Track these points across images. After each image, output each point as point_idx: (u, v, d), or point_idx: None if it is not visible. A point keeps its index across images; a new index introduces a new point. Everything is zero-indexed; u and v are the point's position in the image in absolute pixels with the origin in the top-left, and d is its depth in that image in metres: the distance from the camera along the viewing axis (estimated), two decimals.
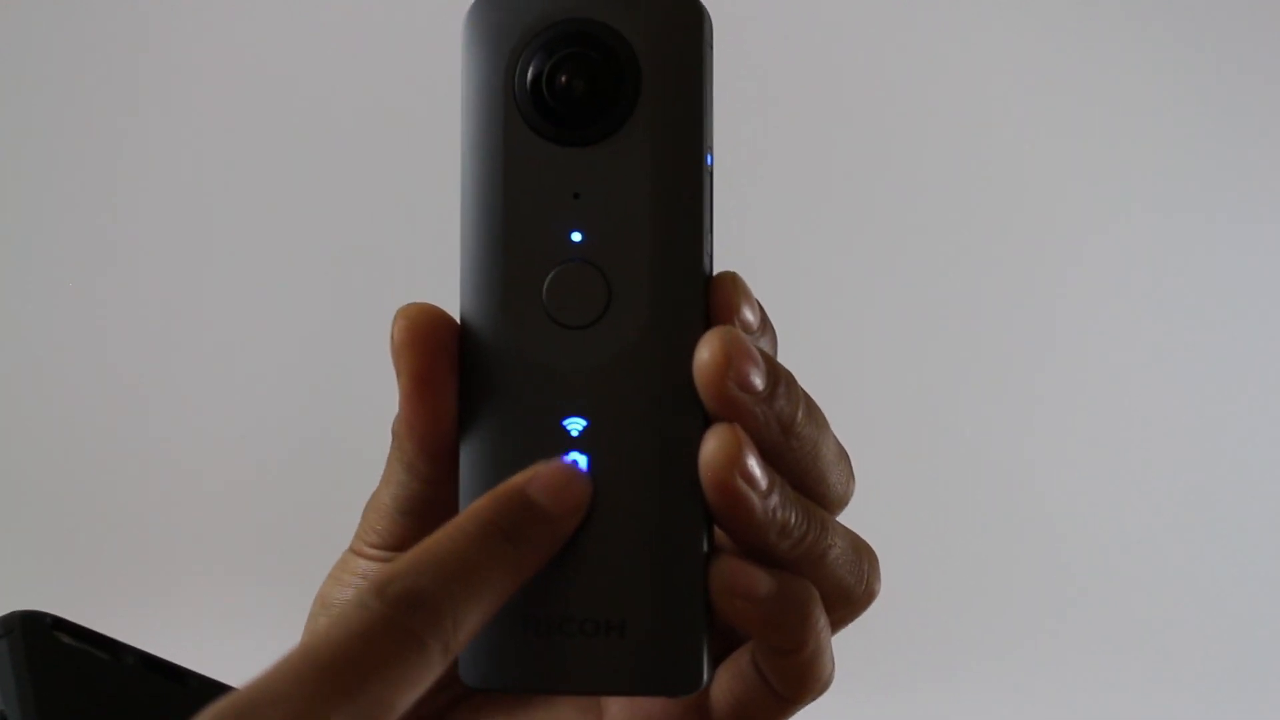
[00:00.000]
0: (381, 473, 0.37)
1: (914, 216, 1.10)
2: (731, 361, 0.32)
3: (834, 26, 1.09)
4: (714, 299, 0.34)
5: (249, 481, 1.09)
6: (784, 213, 1.02)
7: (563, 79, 0.33)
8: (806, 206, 1.03)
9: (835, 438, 0.36)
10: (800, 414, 0.34)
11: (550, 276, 0.34)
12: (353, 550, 0.38)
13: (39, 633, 0.45)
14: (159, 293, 1.09)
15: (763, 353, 0.33)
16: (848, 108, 1.05)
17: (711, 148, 0.34)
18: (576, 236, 0.34)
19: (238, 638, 1.05)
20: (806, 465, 0.35)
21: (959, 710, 0.98)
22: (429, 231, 1.10)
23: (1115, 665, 1.06)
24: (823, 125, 1.04)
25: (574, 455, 0.33)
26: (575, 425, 0.33)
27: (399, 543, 0.37)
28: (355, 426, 1.09)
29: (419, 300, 0.35)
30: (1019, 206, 1.13)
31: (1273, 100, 1.14)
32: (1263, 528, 1.11)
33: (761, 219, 0.98)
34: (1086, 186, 1.13)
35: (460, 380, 0.34)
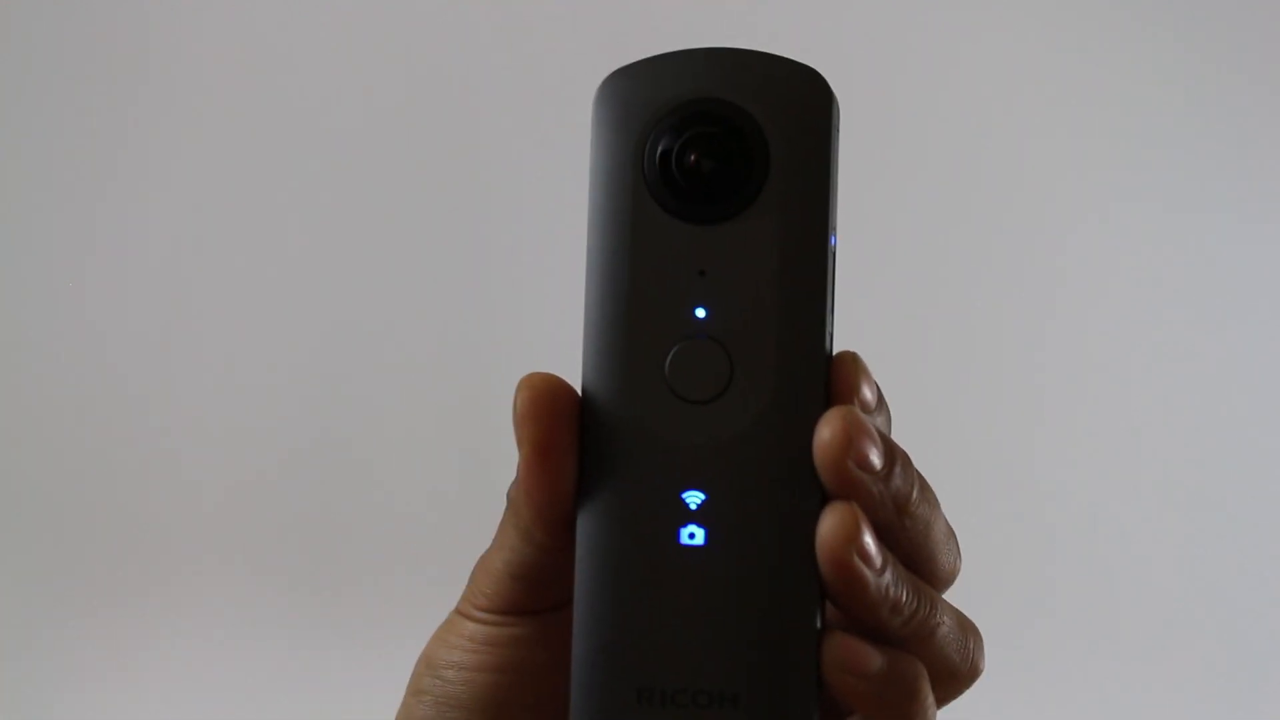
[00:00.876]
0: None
1: (913, 216, 1.10)
2: (852, 441, 0.33)
3: (833, 26, 1.09)
4: (835, 378, 0.34)
5: (249, 481, 1.09)
6: None
7: (692, 157, 0.34)
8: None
9: (945, 517, 0.36)
10: (915, 493, 0.34)
11: (674, 351, 0.34)
12: (460, 612, 0.39)
13: None
14: (160, 293, 1.10)
15: (880, 432, 0.34)
16: (848, 107, 1.05)
17: (836, 228, 0.35)
18: (701, 313, 0.34)
19: (238, 638, 1.06)
20: (918, 544, 0.35)
21: (958, 711, 0.97)
22: (434, 233, 1.11)
23: (1115, 665, 1.06)
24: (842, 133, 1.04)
25: (691, 528, 0.34)
26: (694, 498, 0.34)
27: (509, 606, 0.37)
28: (356, 427, 1.10)
29: (540, 370, 0.35)
30: (1019, 205, 1.12)
31: (1276, 97, 1.14)
32: (1265, 526, 1.11)
33: None
34: (1086, 186, 1.13)
35: (580, 450, 0.34)
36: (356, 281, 1.11)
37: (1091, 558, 1.09)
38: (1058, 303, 1.13)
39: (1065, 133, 1.13)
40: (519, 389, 0.34)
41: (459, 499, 1.05)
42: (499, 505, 0.37)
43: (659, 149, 0.34)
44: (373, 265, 1.11)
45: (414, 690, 0.39)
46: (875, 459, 0.33)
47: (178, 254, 1.10)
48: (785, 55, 0.35)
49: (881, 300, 1.07)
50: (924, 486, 0.35)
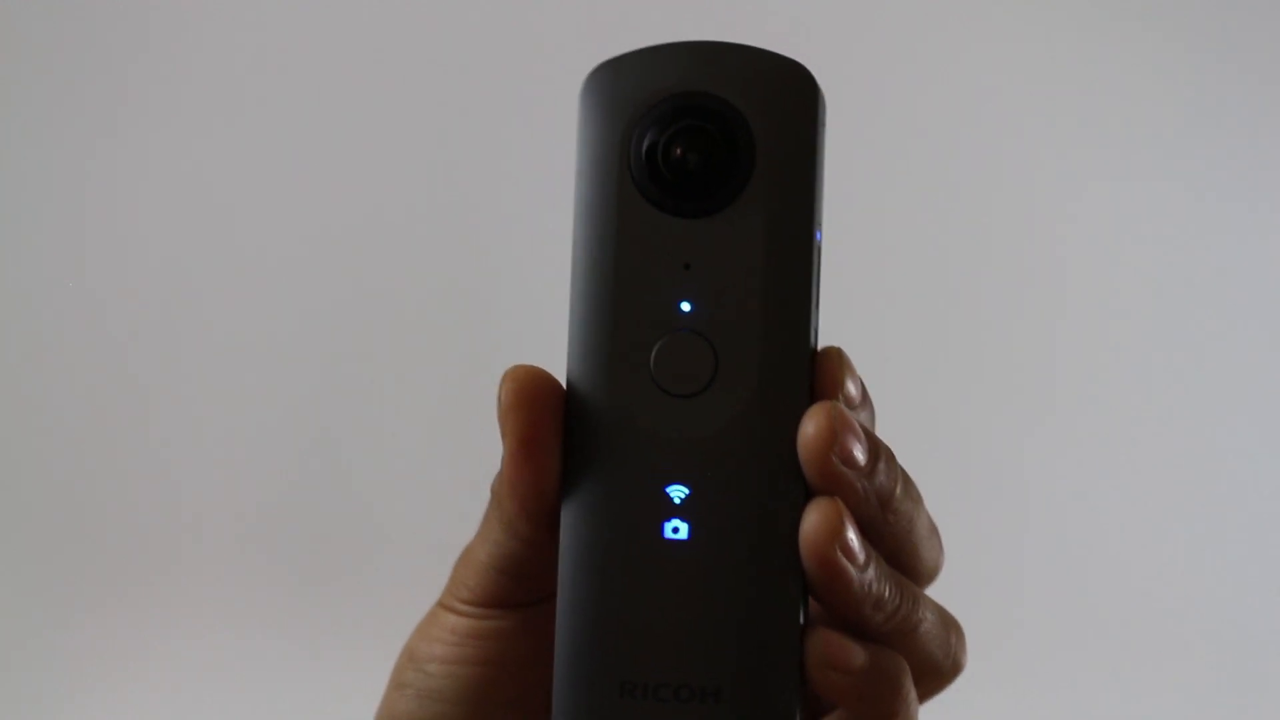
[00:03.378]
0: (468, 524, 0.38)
1: (913, 216, 1.11)
2: (836, 436, 0.33)
3: (830, 25, 1.09)
4: (819, 373, 0.34)
5: (248, 482, 1.09)
6: None
7: (678, 151, 0.34)
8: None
9: (928, 513, 0.36)
10: (899, 489, 0.34)
11: (658, 345, 0.34)
12: (442, 605, 0.39)
13: None
14: (158, 294, 1.10)
15: (864, 428, 0.34)
16: (845, 108, 1.05)
17: (821, 224, 0.35)
18: (686, 307, 0.34)
19: (237, 638, 1.06)
20: (901, 539, 0.35)
21: (956, 710, 0.98)
22: (436, 235, 1.11)
23: (1115, 666, 1.06)
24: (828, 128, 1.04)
25: (675, 522, 0.34)
26: (678, 492, 0.34)
27: (491, 599, 0.37)
28: (355, 427, 1.10)
29: (525, 362, 0.35)
30: (1017, 204, 1.13)
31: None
32: (1265, 526, 1.11)
33: None
34: (1084, 181, 1.13)
35: (564, 444, 0.34)
36: (353, 280, 1.10)
37: (1091, 558, 1.10)
38: (1054, 305, 1.13)
39: (1061, 124, 1.13)
40: (503, 381, 0.34)
41: (458, 498, 1.04)
42: None
43: (645, 142, 0.34)
44: (368, 262, 1.11)
45: (396, 683, 0.39)
46: (859, 454, 0.33)
47: (177, 249, 1.10)
48: (773, 49, 0.35)
49: (878, 301, 1.07)
50: (907, 482, 0.35)
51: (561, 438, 0.34)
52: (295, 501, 1.08)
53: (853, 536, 0.33)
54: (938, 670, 0.36)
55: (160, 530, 1.07)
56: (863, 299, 1.05)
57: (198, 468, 1.08)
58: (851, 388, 0.34)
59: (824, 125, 0.35)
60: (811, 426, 0.33)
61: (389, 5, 1.11)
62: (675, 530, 0.34)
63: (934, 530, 0.37)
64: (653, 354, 0.34)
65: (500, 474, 0.35)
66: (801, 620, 0.34)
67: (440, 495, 1.06)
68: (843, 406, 0.33)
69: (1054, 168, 1.13)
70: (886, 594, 0.34)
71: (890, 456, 0.34)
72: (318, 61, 1.11)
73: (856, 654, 0.33)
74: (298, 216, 1.10)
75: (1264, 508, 1.11)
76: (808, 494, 0.33)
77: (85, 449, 1.08)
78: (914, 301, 1.11)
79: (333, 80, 1.11)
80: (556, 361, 0.35)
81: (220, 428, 1.08)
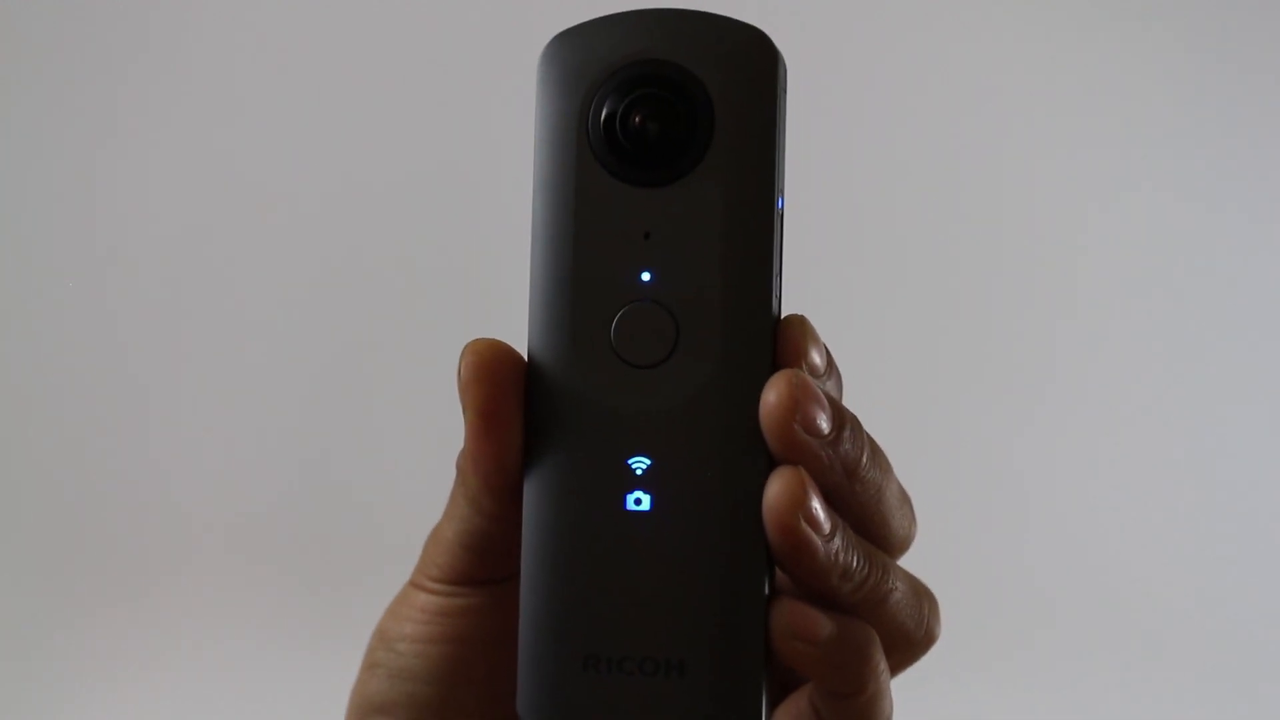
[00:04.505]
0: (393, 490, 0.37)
1: (911, 216, 1.10)
2: (798, 404, 0.32)
3: (827, 25, 1.08)
4: (782, 342, 0.34)
5: (248, 483, 1.09)
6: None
7: (637, 119, 0.34)
8: (802, 207, 1.02)
9: (898, 481, 0.36)
10: (865, 458, 0.34)
11: (619, 316, 0.34)
12: (413, 584, 0.38)
13: None
14: (160, 297, 1.10)
15: (829, 396, 0.33)
16: (844, 107, 1.04)
17: (783, 191, 0.34)
18: (646, 276, 0.34)
19: (237, 639, 1.06)
20: (869, 509, 0.35)
21: (956, 710, 0.97)
22: (437, 236, 1.11)
23: (1114, 665, 1.06)
24: (820, 124, 1.03)
25: (638, 494, 0.33)
26: (640, 464, 0.33)
27: (460, 577, 0.37)
28: (355, 430, 1.10)
29: (484, 336, 0.35)
30: (1019, 205, 1.12)
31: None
32: (1264, 526, 1.11)
33: None
34: (1086, 185, 1.13)
35: (526, 416, 0.34)
36: (352, 284, 1.11)
37: (1091, 558, 1.09)
38: (1058, 309, 1.12)
39: (1062, 122, 1.12)
40: (463, 354, 0.34)
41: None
42: None
43: (603, 111, 0.34)
44: (368, 266, 1.11)
45: (368, 664, 0.39)
46: (823, 423, 0.33)
47: (178, 250, 1.11)
48: (731, 16, 0.34)
49: (876, 299, 1.07)
50: (875, 451, 0.35)
51: (523, 410, 0.34)
52: (295, 503, 1.09)
53: (817, 505, 0.33)
54: (910, 640, 0.36)
55: (160, 532, 1.08)
56: (863, 298, 1.05)
57: (198, 470, 1.08)
58: (815, 356, 0.34)
59: (785, 91, 0.34)
60: (773, 395, 0.32)
61: (386, 7, 1.11)
62: (638, 502, 0.33)
63: (905, 499, 0.36)
64: (613, 325, 0.34)
65: (463, 449, 0.35)
66: (767, 591, 0.33)
67: (440, 496, 1.06)
68: (805, 374, 0.33)
69: (1056, 167, 1.12)
70: (854, 563, 0.34)
71: (856, 424, 0.34)
72: (316, 62, 1.11)
73: (823, 624, 0.33)
74: (298, 216, 1.11)
75: (1264, 507, 1.11)
76: (771, 464, 0.33)
77: (85, 450, 1.09)
78: (915, 300, 1.10)
79: (331, 81, 1.11)
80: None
81: (221, 430, 1.09)
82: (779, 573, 0.34)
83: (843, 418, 0.34)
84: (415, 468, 1.08)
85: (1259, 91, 1.13)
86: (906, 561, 0.37)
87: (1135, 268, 1.13)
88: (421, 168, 1.10)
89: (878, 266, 1.08)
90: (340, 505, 1.09)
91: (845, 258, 1.02)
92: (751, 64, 0.34)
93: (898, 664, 0.36)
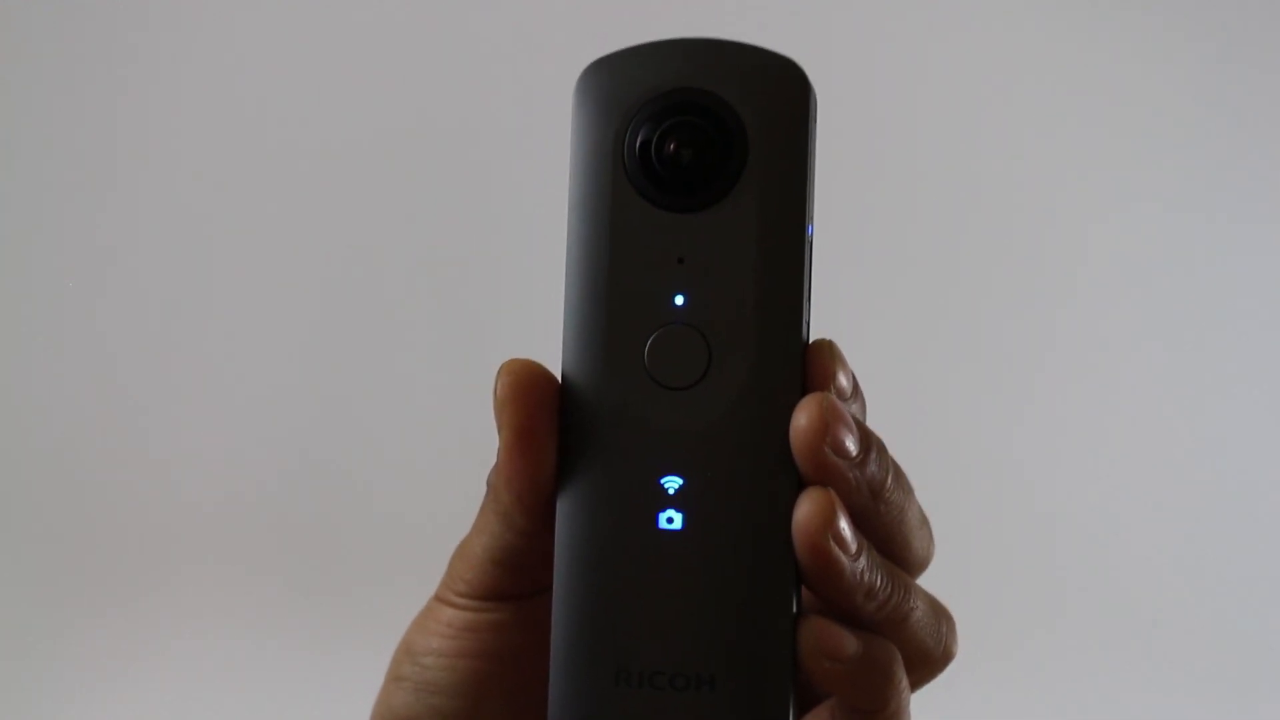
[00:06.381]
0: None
1: (909, 215, 1.11)
2: (828, 427, 0.33)
3: (825, 25, 1.09)
4: (811, 365, 0.34)
5: (248, 483, 1.09)
6: None
7: (672, 147, 0.34)
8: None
9: (919, 503, 0.37)
10: (890, 480, 0.35)
11: (653, 338, 0.34)
12: (439, 599, 0.39)
13: None
14: (159, 298, 1.10)
15: (856, 419, 0.34)
16: (841, 106, 1.04)
17: (813, 218, 0.35)
18: (680, 300, 0.34)
19: (237, 640, 1.06)
20: (893, 529, 0.35)
21: (954, 710, 0.97)
22: (437, 237, 1.12)
23: (1113, 666, 1.06)
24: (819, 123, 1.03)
25: (670, 512, 0.34)
26: (672, 483, 0.34)
27: (488, 592, 0.37)
28: (354, 430, 1.10)
29: (520, 356, 0.35)
30: (1016, 205, 1.13)
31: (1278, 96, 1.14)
32: (1264, 527, 1.11)
33: None
34: (1086, 186, 1.13)
35: (560, 435, 0.35)
36: (352, 285, 1.11)
37: (1090, 557, 1.10)
38: (1058, 304, 1.13)
39: (1065, 126, 1.13)
40: (499, 374, 0.35)
41: (460, 499, 1.04)
42: None
43: (638, 138, 0.35)
44: (368, 267, 1.11)
45: (393, 676, 0.39)
46: (851, 445, 0.34)
47: (178, 250, 1.10)
48: (764, 46, 0.35)
49: (873, 298, 1.07)
50: (898, 473, 0.35)
51: (557, 430, 0.35)
52: (296, 502, 1.08)
53: (845, 526, 0.33)
54: (929, 658, 0.36)
55: (161, 532, 1.07)
56: (863, 296, 1.05)
57: (198, 468, 1.08)
58: (843, 379, 0.35)
59: (815, 121, 0.35)
60: (804, 418, 0.33)
61: (391, 11, 1.11)
62: (670, 521, 0.34)
63: (924, 521, 0.37)
64: (647, 347, 0.34)
65: (496, 466, 0.35)
66: (795, 609, 0.34)
67: (441, 496, 1.06)
68: (834, 398, 0.34)
69: (1055, 167, 1.13)
70: (878, 583, 0.34)
71: (881, 447, 0.35)
72: (316, 62, 1.11)
73: (849, 642, 0.34)
74: (298, 217, 1.10)
75: (1265, 505, 1.11)
76: (800, 484, 0.34)
77: (85, 450, 1.08)
78: (915, 300, 1.11)
79: (331, 80, 1.11)
80: (555, 359, 0.36)
81: (221, 428, 1.08)
82: (805, 591, 0.35)
83: (869, 440, 0.34)
84: (418, 471, 1.08)
85: (1259, 91, 1.14)
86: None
87: (1138, 265, 1.13)
88: (428, 167, 1.10)
89: (878, 266, 1.08)
90: (341, 506, 1.09)
91: (845, 257, 1.03)
92: (784, 94, 0.35)
93: (916, 681, 0.37)
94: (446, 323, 1.10)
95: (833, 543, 0.33)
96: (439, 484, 1.05)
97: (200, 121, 1.11)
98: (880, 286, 1.08)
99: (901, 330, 1.08)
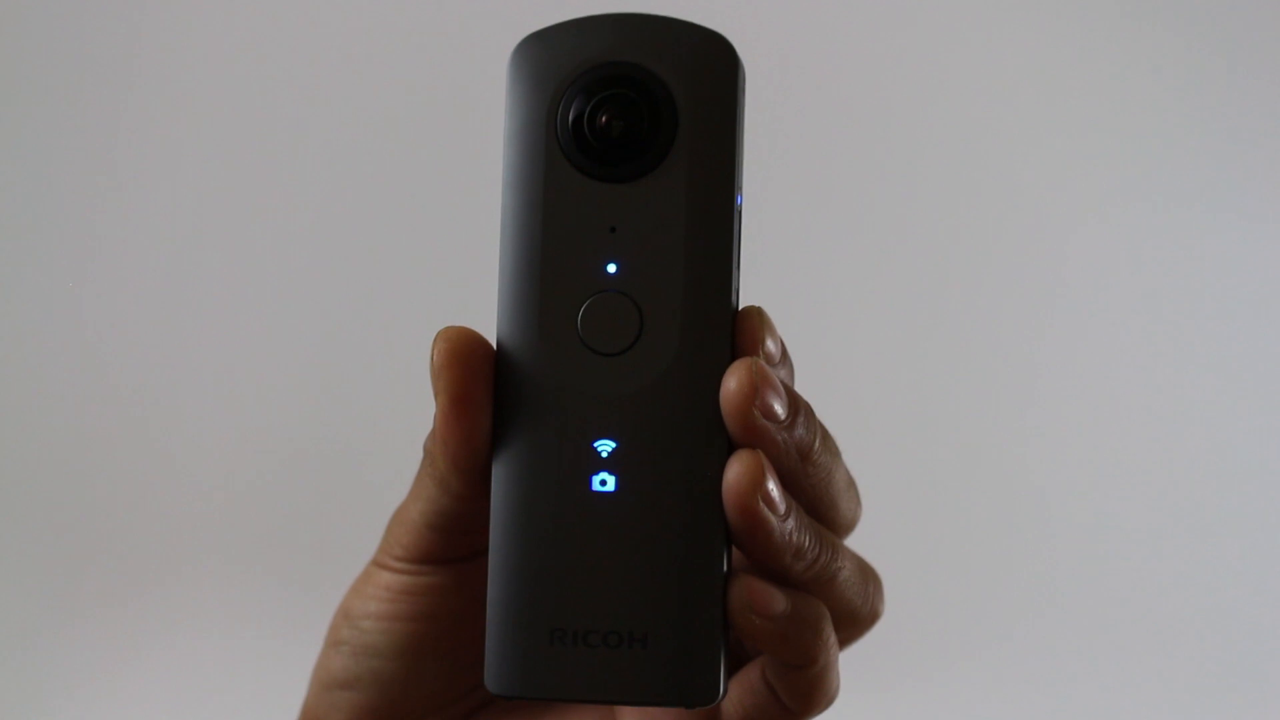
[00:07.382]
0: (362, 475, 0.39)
1: (907, 215, 1.11)
2: (756, 391, 0.34)
3: (820, 25, 1.09)
4: (740, 331, 0.35)
5: (248, 481, 1.08)
6: (777, 213, 1.01)
7: (603, 119, 0.35)
8: (799, 206, 1.02)
9: (846, 467, 0.38)
10: (817, 442, 0.36)
11: (585, 305, 0.35)
12: (376, 563, 0.39)
13: None
14: (158, 293, 1.09)
15: (784, 383, 0.35)
16: (840, 105, 1.04)
17: (741, 188, 0.36)
18: (612, 268, 0.35)
19: (237, 639, 1.05)
20: (820, 491, 0.36)
21: (953, 710, 0.98)
22: (432, 235, 1.11)
23: (1112, 666, 1.07)
24: (816, 123, 1.03)
25: (603, 475, 0.35)
26: (605, 447, 0.35)
27: (425, 556, 0.38)
28: (355, 425, 1.10)
29: (456, 323, 0.36)
30: (1013, 204, 1.13)
31: (1275, 96, 1.15)
32: (1264, 527, 1.12)
33: (754, 218, 0.97)
34: (1085, 184, 1.13)
35: (495, 401, 0.35)
36: (352, 285, 1.10)
37: (1089, 557, 1.10)
38: (1054, 301, 1.13)
39: (1064, 125, 1.13)
40: (435, 342, 0.35)
41: None
42: None
43: (571, 110, 0.35)
44: (368, 268, 1.10)
45: (332, 641, 0.40)
46: (779, 409, 0.35)
47: (178, 251, 1.09)
48: (694, 20, 0.36)
49: (872, 298, 1.08)
50: (825, 436, 0.36)
51: (492, 396, 0.35)
52: (296, 502, 1.08)
53: (773, 487, 0.34)
54: (856, 617, 0.38)
55: (160, 531, 1.07)
56: (864, 296, 1.06)
57: (198, 467, 1.07)
58: (771, 345, 0.36)
59: (744, 93, 0.36)
60: (733, 382, 0.34)
61: (383, 13, 1.11)
62: (603, 483, 0.35)
63: (851, 483, 0.38)
64: (580, 314, 0.35)
65: (433, 432, 0.36)
66: (725, 568, 0.35)
67: None
68: (763, 363, 0.35)
69: (1054, 168, 1.13)
70: (806, 543, 0.35)
71: (809, 411, 0.36)
72: (314, 62, 1.11)
73: (778, 599, 0.35)
74: (298, 217, 1.10)
75: (1264, 505, 1.12)
76: (730, 447, 0.35)
77: (84, 449, 1.07)
78: (914, 299, 1.10)
79: (329, 81, 1.11)
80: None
81: (221, 427, 1.08)
82: (735, 551, 0.36)
83: (797, 404, 0.35)
84: (416, 467, 1.08)
85: (1259, 90, 1.15)
86: (854, 542, 0.38)
87: (1139, 263, 1.13)
88: (428, 167, 1.10)
89: (877, 265, 1.09)
90: (341, 505, 1.08)
91: (846, 258, 1.03)
92: (713, 67, 0.36)
93: (845, 639, 0.38)
94: (451, 322, 1.09)
95: (762, 503, 0.34)
96: None
97: (199, 116, 1.10)
98: (880, 286, 1.08)
99: (901, 330, 1.08)
